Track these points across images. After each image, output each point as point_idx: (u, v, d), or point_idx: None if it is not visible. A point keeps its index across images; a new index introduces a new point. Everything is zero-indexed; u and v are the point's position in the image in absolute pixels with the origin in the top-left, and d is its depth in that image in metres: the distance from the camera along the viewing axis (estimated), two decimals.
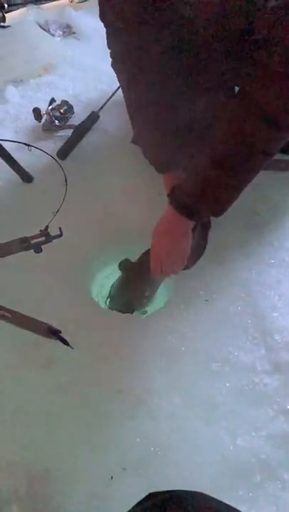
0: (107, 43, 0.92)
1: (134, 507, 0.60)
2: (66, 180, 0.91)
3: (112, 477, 0.77)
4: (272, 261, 1.07)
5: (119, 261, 1.06)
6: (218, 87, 0.87)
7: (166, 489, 0.61)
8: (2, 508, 0.73)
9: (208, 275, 1.03)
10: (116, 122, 1.37)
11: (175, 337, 0.94)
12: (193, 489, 0.59)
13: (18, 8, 1.81)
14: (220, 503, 0.57)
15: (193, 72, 0.81)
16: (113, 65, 0.96)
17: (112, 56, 0.94)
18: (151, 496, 0.60)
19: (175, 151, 0.96)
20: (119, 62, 0.92)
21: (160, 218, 0.91)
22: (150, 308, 1.13)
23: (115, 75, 1.02)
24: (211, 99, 0.87)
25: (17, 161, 1.15)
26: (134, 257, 1.14)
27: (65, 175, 0.92)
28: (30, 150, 0.97)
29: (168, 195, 0.88)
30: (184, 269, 0.97)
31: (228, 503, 0.57)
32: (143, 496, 0.61)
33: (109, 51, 0.94)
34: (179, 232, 0.90)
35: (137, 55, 0.84)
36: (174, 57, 0.79)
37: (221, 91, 0.87)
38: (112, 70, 1.53)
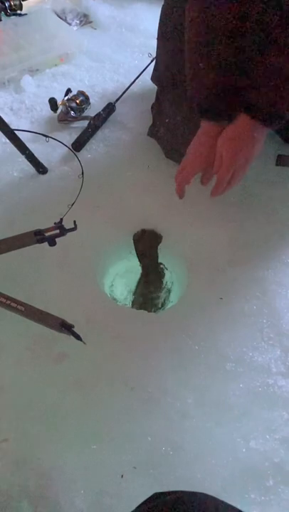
0: None
1: (138, 506, 0.59)
2: (83, 173, 0.90)
3: (122, 475, 0.76)
4: None
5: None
6: None
7: (176, 490, 0.60)
8: (12, 504, 0.72)
9: (223, 273, 1.02)
10: (132, 114, 1.35)
11: (188, 335, 0.92)
12: (204, 491, 0.58)
13: None
14: (227, 505, 0.56)
15: None
16: None
17: None
18: (156, 496, 0.59)
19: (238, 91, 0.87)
20: None
21: (229, 127, 0.86)
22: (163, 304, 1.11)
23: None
24: None
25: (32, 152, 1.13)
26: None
27: (82, 168, 0.90)
28: (48, 141, 0.95)
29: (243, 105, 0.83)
30: None
31: (239, 505, 0.55)
32: None
33: None
34: (258, 139, 0.86)
35: None
36: None
37: None
38: (128, 60, 1.53)
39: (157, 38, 1.11)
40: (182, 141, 0.99)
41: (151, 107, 1.24)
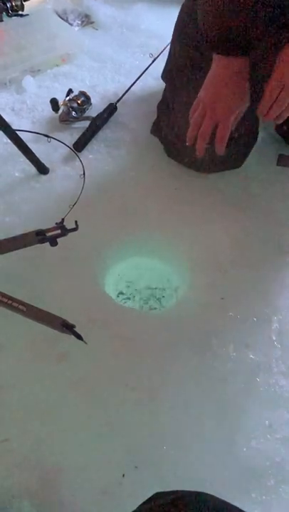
0: None
1: (139, 506, 0.60)
2: (84, 173, 0.90)
3: (123, 475, 0.76)
4: None
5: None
6: None
7: (177, 489, 0.60)
8: (13, 503, 0.73)
9: (224, 273, 1.02)
10: (133, 115, 1.35)
11: (189, 335, 0.92)
12: (204, 490, 0.58)
13: None
14: (228, 504, 0.56)
15: None
16: None
17: None
18: (158, 496, 0.60)
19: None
20: None
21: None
22: (165, 304, 1.11)
23: None
24: None
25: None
26: (147, 252, 1.13)
27: (83, 168, 0.91)
28: (50, 141, 0.95)
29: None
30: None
31: (240, 505, 0.55)
32: None
33: None
34: None
35: None
36: None
37: None
38: (130, 61, 1.53)
39: (172, 38, 1.10)
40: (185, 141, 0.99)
41: (158, 106, 1.23)
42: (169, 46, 1.17)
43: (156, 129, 1.24)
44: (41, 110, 1.36)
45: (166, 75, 1.17)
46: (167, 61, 1.16)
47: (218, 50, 0.84)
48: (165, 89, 1.19)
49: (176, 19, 1.09)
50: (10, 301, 0.84)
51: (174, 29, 1.08)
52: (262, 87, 0.83)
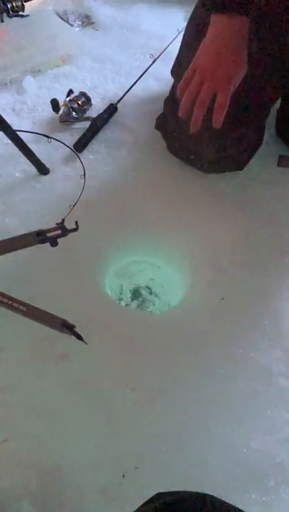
0: None
1: (141, 506, 0.60)
2: (84, 174, 0.90)
3: (123, 475, 0.76)
4: None
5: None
6: None
7: (177, 490, 0.60)
8: (13, 503, 0.73)
9: (224, 273, 1.02)
10: (134, 115, 1.35)
11: (189, 335, 0.92)
12: (205, 491, 0.58)
13: None
14: (229, 505, 0.56)
15: None
16: None
17: None
18: (159, 496, 0.60)
19: None
20: None
21: None
22: (164, 306, 1.12)
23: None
24: None
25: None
26: (147, 252, 1.13)
27: (83, 168, 0.91)
28: (50, 142, 0.95)
29: None
30: None
31: (239, 506, 0.56)
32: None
33: None
34: None
35: None
36: None
37: None
38: (130, 61, 1.53)
39: (184, 34, 1.09)
40: (193, 138, 0.98)
41: (165, 101, 1.23)
42: (168, 47, 1.15)
43: (161, 124, 1.23)
44: (42, 111, 1.36)
45: (175, 70, 1.17)
46: (177, 56, 1.15)
47: (222, 8, 0.80)
48: (173, 85, 1.19)
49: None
50: (10, 301, 0.84)
51: (187, 25, 1.07)
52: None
